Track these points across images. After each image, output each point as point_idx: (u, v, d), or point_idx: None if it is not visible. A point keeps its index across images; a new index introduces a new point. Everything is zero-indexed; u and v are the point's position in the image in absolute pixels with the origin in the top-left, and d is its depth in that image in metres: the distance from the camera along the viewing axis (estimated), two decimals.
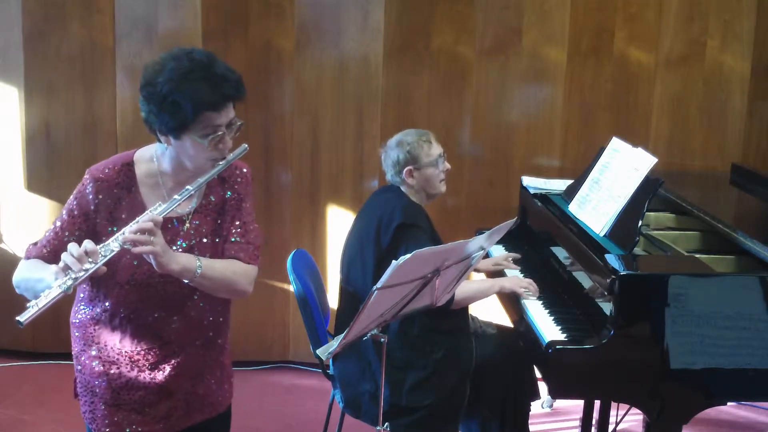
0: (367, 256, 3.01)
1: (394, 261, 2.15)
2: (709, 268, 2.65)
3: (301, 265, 3.25)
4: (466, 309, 3.15)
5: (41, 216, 4.37)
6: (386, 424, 2.63)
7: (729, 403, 3.46)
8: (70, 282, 1.98)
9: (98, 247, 2.02)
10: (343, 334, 2.34)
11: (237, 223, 2.29)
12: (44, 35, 4.22)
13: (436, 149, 3.13)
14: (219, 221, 2.28)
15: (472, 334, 3.14)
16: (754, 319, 2.53)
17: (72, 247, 2.01)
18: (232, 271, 2.23)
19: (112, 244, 2.04)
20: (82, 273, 1.98)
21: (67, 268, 1.99)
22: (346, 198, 4.37)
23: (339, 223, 4.36)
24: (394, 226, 2.95)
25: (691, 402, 2.59)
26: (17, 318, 1.98)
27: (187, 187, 2.13)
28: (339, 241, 4.30)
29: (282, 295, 4.45)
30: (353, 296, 3.07)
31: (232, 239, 2.27)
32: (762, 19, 4.23)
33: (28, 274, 2.18)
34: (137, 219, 2.08)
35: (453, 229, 4.17)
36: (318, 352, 2.53)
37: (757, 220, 3.33)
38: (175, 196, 2.12)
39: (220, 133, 2.13)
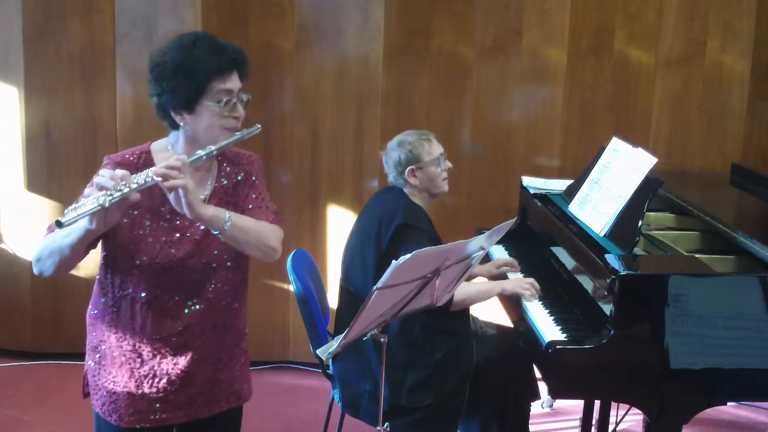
0: (368, 256, 3.02)
1: (393, 261, 2.15)
2: (709, 268, 2.65)
3: (301, 265, 3.25)
4: (467, 310, 3.15)
5: (41, 216, 4.37)
6: (386, 424, 2.63)
7: (729, 403, 3.46)
8: (106, 197, 1.99)
9: (130, 175, 2.06)
10: (343, 334, 2.34)
11: (253, 196, 2.33)
12: (44, 35, 4.22)
13: (437, 148, 3.13)
14: (234, 202, 2.32)
15: (472, 336, 3.14)
16: (754, 319, 2.53)
17: (105, 170, 2.05)
18: (260, 225, 2.25)
19: (144, 176, 2.06)
20: (118, 193, 2.00)
21: (102, 188, 2.01)
22: (346, 198, 4.37)
23: (339, 223, 4.36)
24: (394, 227, 2.95)
25: (691, 402, 2.59)
26: (58, 218, 1.96)
27: (209, 146, 2.16)
28: (339, 241, 4.32)
29: (282, 295, 4.45)
30: (353, 296, 3.07)
31: (250, 206, 2.31)
32: (762, 19, 4.24)
33: (50, 240, 2.15)
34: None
35: (453, 229, 4.17)
36: (318, 352, 2.53)
37: (757, 220, 3.33)
38: (198, 151, 2.15)
39: (232, 99, 2.20)
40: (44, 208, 4.37)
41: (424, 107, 4.30)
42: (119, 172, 2.05)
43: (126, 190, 2.02)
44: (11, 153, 4.34)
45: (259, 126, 2.29)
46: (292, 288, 3.23)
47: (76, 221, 1.98)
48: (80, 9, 4.20)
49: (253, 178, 2.36)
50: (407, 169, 3.08)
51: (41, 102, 4.29)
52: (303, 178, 4.38)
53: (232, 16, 4.22)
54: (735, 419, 4.09)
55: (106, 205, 1.98)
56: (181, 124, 2.22)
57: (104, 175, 2.03)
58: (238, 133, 2.22)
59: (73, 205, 2.02)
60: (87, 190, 2.08)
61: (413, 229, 2.97)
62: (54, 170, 4.35)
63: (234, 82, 2.22)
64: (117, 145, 4.29)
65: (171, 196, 2.07)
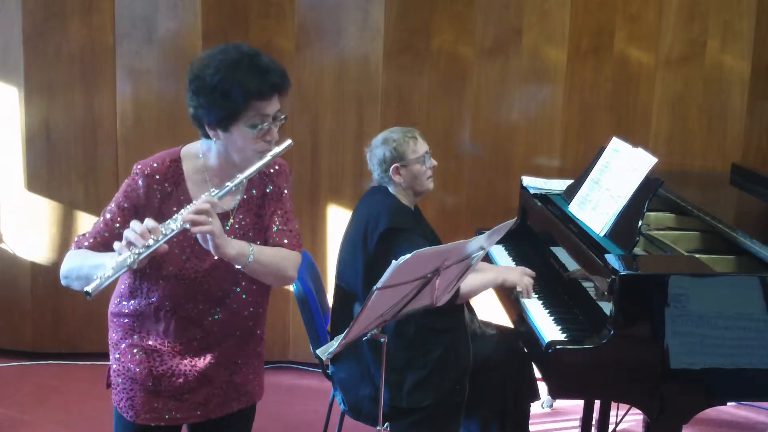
0: (358, 260, 3.02)
1: (394, 261, 2.15)
2: (709, 268, 2.65)
3: (301, 265, 3.24)
4: (461, 307, 3.15)
5: (41, 216, 4.37)
6: (386, 424, 2.63)
7: (729, 403, 3.46)
8: (133, 258, 2.01)
9: (159, 225, 2.06)
10: (343, 335, 2.34)
11: (279, 212, 2.34)
12: (44, 35, 4.22)
13: (422, 146, 3.12)
14: (260, 215, 2.33)
15: (468, 332, 3.14)
16: (754, 319, 2.53)
17: (134, 223, 2.05)
18: (281, 257, 2.28)
19: (172, 224, 2.08)
20: (145, 249, 2.02)
21: (130, 244, 2.02)
22: (346, 198, 4.37)
23: (339, 223, 4.35)
24: (380, 232, 2.94)
25: (691, 402, 2.59)
26: (85, 289, 2.00)
27: (238, 175, 2.16)
28: (339, 241, 4.32)
29: (282, 295, 4.44)
30: (347, 293, 3.08)
31: (275, 227, 2.32)
32: (762, 19, 4.23)
33: (81, 261, 2.18)
34: (194, 202, 2.12)
35: (453, 229, 4.17)
36: (318, 352, 2.53)
37: (757, 220, 3.33)
38: (227, 183, 2.16)
39: (267, 123, 2.19)
40: (44, 208, 4.37)
41: (424, 107, 4.30)
42: (149, 224, 2.04)
43: (154, 244, 2.03)
44: (11, 153, 4.34)
45: (290, 141, 2.28)
46: (292, 288, 3.23)
47: (103, 286, 2.01)
48: (80, 9, 4.20)
49: (282, 192, 2.36)
50: (391, 167, 3.07)
51: (41, 102, 4.29)
52: (303, 178, 4.38)
53: (232, 16, 4.22)
54: (735, 419, 4.08)
55: (135, 266, 2.02)
56: (214, 139, 2.22)
57: (135, 229, 2.03)
58: (269, 154, 2.21)
59: (101, 273, 2.02)
60: (116, 246, 2.06)
61: (399, 232, 2.95)
62: (54, 170, 4.35)
63: (272, 107, 2.21)
64: (117, 145, 4.29)
65: (198, 235, 2.10)
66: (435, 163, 3.17)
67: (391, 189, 3.12)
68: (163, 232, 2.06)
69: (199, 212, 2.07)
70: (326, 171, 4.37)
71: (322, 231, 4.42)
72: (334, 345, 2.38)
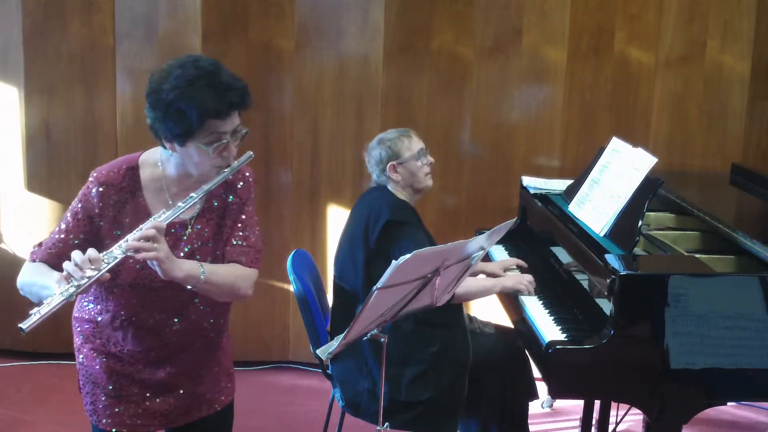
0: (357, 256, 3.03)
1: (394, 261, 2.16)
2: (709, 268, 2.65)
3: (301, 265, 3.25)
4: (459, 304, 3.15)
5: (41, 216, 4.37)
6: (386, 423, 2.63)
7: (729, 403, 3.46)
8: (72, 290, 1.97)
9: (101, 254, 2.02)
10: (343, 334, 2.34)
11: (239, 226, 2.29)
12: (44, 35, 4.22)
13: (417, 143, 3.15)
14: (221, 225, 2.29)
15: (466, 328, 3.14)
16: (754, 319, 2.53)
17: (75, 255, 2.01)
18: (234, 275, 2.23)
19: (116, 251, 2.04)
20: (85, 280, 1.98)
21: (69, 277, 1.99)
22: (346, 198, 4.36)
23: (339, 223, 4.34)
24: (381, 224, 2.96)
25: (691, 402, 2.59)
26: (19, 325, 1.97)
27: (192, 194, 2.13)
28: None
29: (282, 295, 4.45)
30: (347, 293, 3.09)
31: (234, 242, 2.28)
32: (762, 19, 4.23)
33: (32, 278, 2.18)
34: (140, 226, 2.08)
35: (453, 229, 4.17)
36: (318, 352, 2.53)
37: (757, 220, 3.33)
38: (179, 203, 2.12)
39: (224, 141, 2.13)
40: (44, 208, 4.37)
41: (424, 107, 4.30)
42: (90, 253, 2.00)
43: (94, 275, 1.98)
44: (11, 153, 4.34)
45: (251, 153, 2.25)
46: (292, 288, 3.23)
47: (39, 322, 1.96)
48: (80, 9, 4.20)
49: (245, 204, 2.31)
50: (388, 165, 3.10)
51: (41, 102, 4.29)
52: (303, 178, 4.38)
53: (232, 16, 4.22)
54: (735, 419, 4.08)
55: (72, 299, 1.98)
56: (171, 152, 2.18)
57: (75, 259, 1.99)
58: (226, 170, 2.17)
59: (36, 309, 1.98)
60: (54, 278, 2.02)
61: (401, 224, 2.98)
62: (54, 170, 4.35)
63: (230, 123, 2.13)
64: (117, 145, 4.29)
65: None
66: (432, 159, 3.19)
67: (390, 188, 3.14)
68: (106, 261, 2.02)
69: (143, 238, 2.03)
70: (326, 171, 4.37)
71: (322, 231, 4.42)
72: (333, 345, 2.38)
